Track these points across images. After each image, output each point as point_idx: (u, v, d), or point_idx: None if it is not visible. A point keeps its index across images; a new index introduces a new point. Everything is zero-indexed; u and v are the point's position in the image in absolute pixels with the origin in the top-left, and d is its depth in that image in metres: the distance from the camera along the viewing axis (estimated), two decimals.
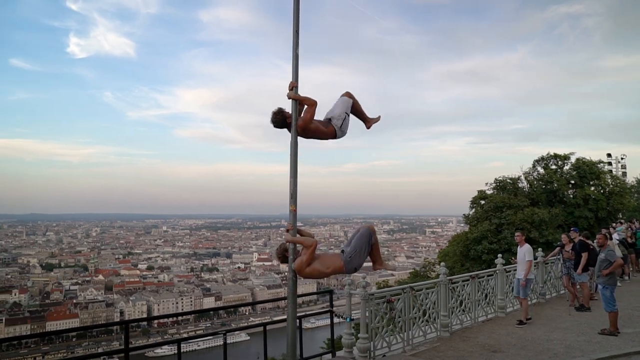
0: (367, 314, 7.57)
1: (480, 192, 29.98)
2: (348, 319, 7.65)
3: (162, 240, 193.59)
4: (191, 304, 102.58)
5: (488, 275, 11.26)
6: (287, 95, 5.23)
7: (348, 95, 5.58)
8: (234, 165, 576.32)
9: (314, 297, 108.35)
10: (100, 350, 72.21)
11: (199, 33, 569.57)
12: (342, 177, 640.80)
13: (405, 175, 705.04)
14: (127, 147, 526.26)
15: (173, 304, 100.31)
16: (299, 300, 6.92)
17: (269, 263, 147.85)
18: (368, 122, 5.79)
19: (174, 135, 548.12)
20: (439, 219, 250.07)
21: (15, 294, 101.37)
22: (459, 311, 10.03)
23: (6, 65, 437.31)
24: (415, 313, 8.69)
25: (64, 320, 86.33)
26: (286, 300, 5.13)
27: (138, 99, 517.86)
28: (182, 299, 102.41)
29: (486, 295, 11.02)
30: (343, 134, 5.47)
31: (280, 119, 5.20)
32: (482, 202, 28.89)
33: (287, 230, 5.21)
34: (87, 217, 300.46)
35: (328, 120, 5.39)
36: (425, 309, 8.94)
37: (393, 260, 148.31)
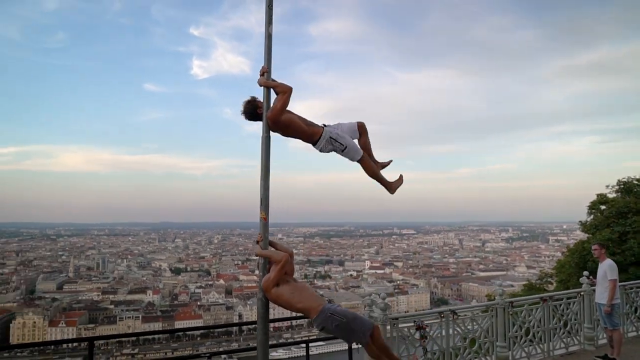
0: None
1: (600, 195, 25.99)
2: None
3: None
4: None
5: (568, 298, 8.79)
6: (258, 82, 4.50)
7: (360, 125, 4.84)
8: (346, 174, 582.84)
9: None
10: (221, 349, 76.60)
11: (309, 46, 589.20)
12: (456, 182, 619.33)
13: (523, 179, 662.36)
14: (245, 159, 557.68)
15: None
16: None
17: (381, 271, 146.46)
18: (390, 186, 5.05)
19: (288, 146, 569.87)
20: (564, 226, 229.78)
21: (149, 294, 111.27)
22: (524, 342, 7.88)
23: (140, 90, 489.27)
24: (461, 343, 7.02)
25: (190, 320, 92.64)
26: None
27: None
28: None
29: (565, 323, 8.55)
30: (326, 147, 4.58)
31: (249, 109, 4.50)
32: (602, 207, 25.10)
33: (257, 242, 4.42)
34: (210, 225, 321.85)
35: (317, 125, 4.59)
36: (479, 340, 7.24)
37: (512, 270, 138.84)
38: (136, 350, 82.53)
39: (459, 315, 7.04)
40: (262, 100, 4.49)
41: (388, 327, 6.28)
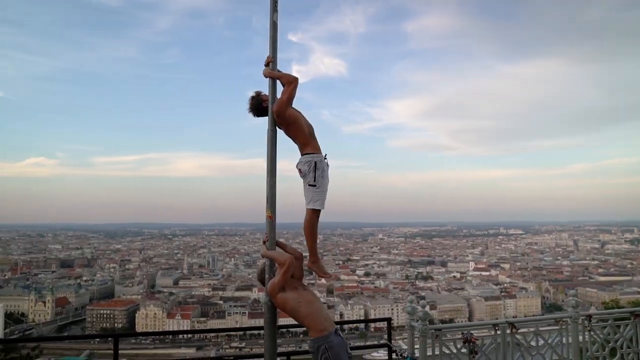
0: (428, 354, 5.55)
1: None
2: (408, 358, 5.70)
3: (378, 247, 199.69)
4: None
5: None
6: (263, 73, 4.27)
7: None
8: (447, 172, 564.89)
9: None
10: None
11: (405, 44, 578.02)
12: (568, 179, 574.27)
13: None
14: (344, 160, 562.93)
15: (388, 309, 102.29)
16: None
17: (487, 273, 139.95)
18: (318, 266, 4.64)
19: (386, 146, 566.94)
20: None
21: (255, 292, 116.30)
22: None
23: (245, 97, 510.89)
24: None
25: (292, 319, 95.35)
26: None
27: (352, 114, 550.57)
28: (397, 306, 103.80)
29: None
30: (304, 166, 4.43)
31: (255, 104, 4.26)
32: None
33: (264, 242, 4.20)
34: None
35: (317, 143, 4.45)
36: None
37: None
38: (243, 344, 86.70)
39: (519, 329, 6.08)
40: (267, 94, 4.29)
41: (429, 340, 5.62)
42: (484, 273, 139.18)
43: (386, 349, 6.38)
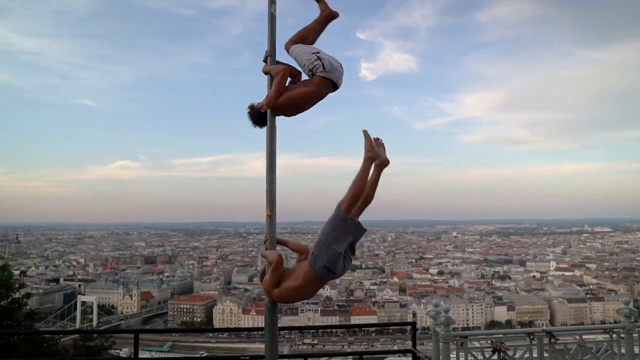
0: None
1: None
2: None
3: (452, 245, 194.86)
4: (482, 312, 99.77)
5: None
6: (262, 70, 4.10)
7: (287, 45, 4.18)
8: (524, 167, 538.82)
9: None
10: (395, 347, 77.35)
11: (477, 35, 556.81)
12: None
13: None
14: (416, 156, 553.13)
15: (463, 310, 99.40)
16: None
17: (570, 273, 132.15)
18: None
19: (459, 141, 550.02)
20: None
21: (327, 289, 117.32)
22: None
23: None
24: None
25: (365, 316, 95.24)
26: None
27: (423, 110, 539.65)
28: (472, 306, 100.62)
29: None
30: (335, 75, 3.97)
31: (254, 115, 4.05)
32: None
33: (265, 242, 4.06)
34: (383, 223, 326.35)
35: (312, 75, 3.97)
36: None
37: None
38: (315, 341, 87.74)
39: (558, 339, 5.45)
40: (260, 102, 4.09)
41: (453, 346, 5.20)
42: (566, 273, 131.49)
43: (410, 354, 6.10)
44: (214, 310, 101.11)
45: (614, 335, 5.67)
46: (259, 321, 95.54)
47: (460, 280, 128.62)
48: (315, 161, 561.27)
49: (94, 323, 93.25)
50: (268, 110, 3.99)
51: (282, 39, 4.13)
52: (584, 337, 5.65)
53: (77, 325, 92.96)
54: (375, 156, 3.74)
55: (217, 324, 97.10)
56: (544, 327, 5.68)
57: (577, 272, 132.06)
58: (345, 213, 3.63)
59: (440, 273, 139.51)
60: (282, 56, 4.19)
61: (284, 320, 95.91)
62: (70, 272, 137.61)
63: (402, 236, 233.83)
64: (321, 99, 4.06)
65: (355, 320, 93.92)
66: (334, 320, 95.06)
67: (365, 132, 3.83)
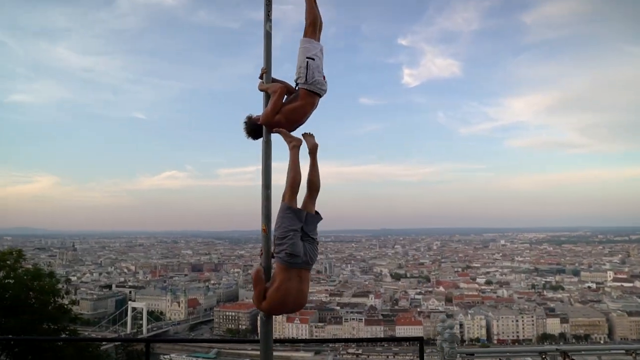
0: None
1: None
2: None
3: (501, 254, 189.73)
4: (532, 324, 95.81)
5: None
6: (258, 87, 4.25)
7: (307, 33, 4.28)
8: (576, 172, 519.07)
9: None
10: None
11: (524, 37, 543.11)
12: None
13: None
14: (461, 163, 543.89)
15: (513, 321, 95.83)
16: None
17: (630, 284, 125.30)
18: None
19: (506, 146, 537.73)
20: None
21: (371, 298, 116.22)
22: None
23: (357, 104, 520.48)
24: None
25: (410, 327, 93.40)
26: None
27: (468, 115, 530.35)
28: (522, 317, 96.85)
29: None
30: (317, 87, 4.11)
31: (251, 127, 4.20)
32: None
33: (260, 256, 4.14)
34: (429, 231, 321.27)
35: (296, 87, 4.22)
36: None
37: None
38: (360, 351, 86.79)
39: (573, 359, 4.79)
40: (259, 115, 4.22)
41: None
42: (625, 284, 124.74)
43: None
44: (258, 318, 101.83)
45: (638, 358, 5.03)
46: (304, 330, 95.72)
47: (509, 290, 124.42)
48: (361, 169, 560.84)
49: (144, 329, 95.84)
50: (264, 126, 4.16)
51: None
52: (603, 358, 5.14)
53: (128, 330, 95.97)
54: (298, 142, 3.99)
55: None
56: (558, 347, 5.24)
57: (638, 283, 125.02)
58: (288, 204, 3.84)
59: (488, 283, 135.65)
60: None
61: (328, 330, 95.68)
62: (122, 279, 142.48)
63: (448, 244, 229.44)
64: (314, 109, 4.23)
65: (400, 331, 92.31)
66: (378, 330, 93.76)
67: (278, 130, 4.06)
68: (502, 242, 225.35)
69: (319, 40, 4.36)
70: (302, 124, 4.24)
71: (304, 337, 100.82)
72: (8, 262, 13.80)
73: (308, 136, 4.12)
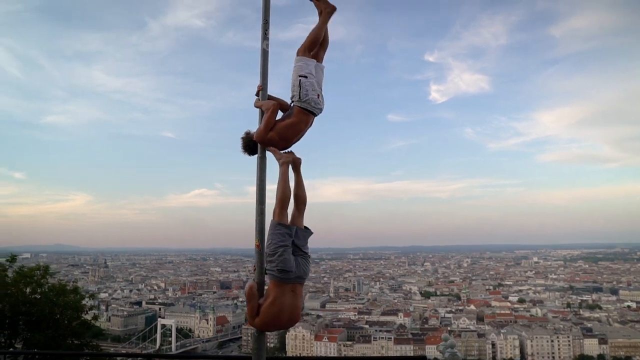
0: None
1: None
2: None
3: (533, 272, 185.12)
4: (569, 344, 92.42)
5: None
6: (254, 104, 4.36)
7: (299, 52, 4.29)
8: (611, 186, 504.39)
9: None
10: None
11: (552, 50, 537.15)
12: None
13: None
14: (490, 178, 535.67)
15: (547, 341, 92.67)
16: None
17: None
18: None
19: (536, 161, 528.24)
20: None
21: (400, 317, 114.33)
22: None
23: (385, 121, 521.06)
24: None
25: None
26: None
27: (497, 130, 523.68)
28: (557, 338, 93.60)
29: None
30: (311, 105, 4.15)
31: (247, 143, 4.30)
32: None
33: (253, 272, 4.11)
34: (459, 248, 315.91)
35: (291, 105, 4.29)
36: None
37: None
38: None
39: None
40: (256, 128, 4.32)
41: None
42: None
43: None
44: (286, 336, 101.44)
45: None
46: (332, 348, 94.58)
47: (543, 309, 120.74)
48: (389, 185, 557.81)
49: (173, 346, 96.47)
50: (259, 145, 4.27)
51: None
52: None
53: (157, 347, 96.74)
54: (287, 158, 4.12)
55: (289, 350, 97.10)
56: None
57: None
58: (278, 220, 3.93)
59: (521, 301, 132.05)
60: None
61: (357, 348, 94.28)
62: (152, 296, 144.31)
63: (479, 262, 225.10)
64: (308, 127, 4.30)
65: (429, 350, 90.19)
66: (408, 349, 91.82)
67: (269, 148, 4.19)
68: (535, 259, 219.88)
69: (321, 60, 4.43)
70: (296, 142, 4.32)
71: (332, 355, 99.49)
72: (35, 278, 14.16)
73: (290, 153, 4.23)
